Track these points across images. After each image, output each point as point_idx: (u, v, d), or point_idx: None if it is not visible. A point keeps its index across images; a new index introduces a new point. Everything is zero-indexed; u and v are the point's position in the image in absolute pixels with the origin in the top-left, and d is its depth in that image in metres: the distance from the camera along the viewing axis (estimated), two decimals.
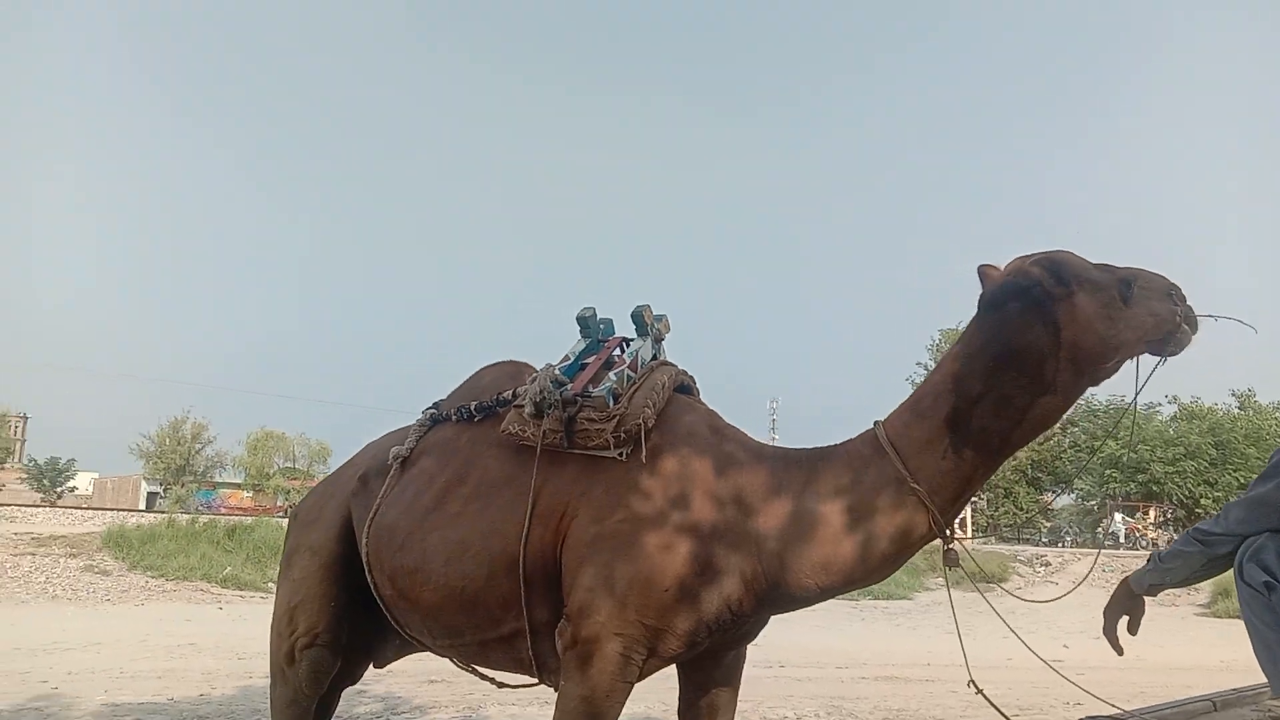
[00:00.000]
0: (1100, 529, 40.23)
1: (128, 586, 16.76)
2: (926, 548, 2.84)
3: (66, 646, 10.61)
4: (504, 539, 2.86)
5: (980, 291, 2.73)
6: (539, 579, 2.81)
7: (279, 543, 15.77)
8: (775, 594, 2.70)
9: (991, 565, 24.70)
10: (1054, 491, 46.34)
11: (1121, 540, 33.11)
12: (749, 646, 3.14)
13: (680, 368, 3.23)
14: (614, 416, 2.87)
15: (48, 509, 31.97)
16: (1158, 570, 2.84)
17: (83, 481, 61.60)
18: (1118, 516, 35.53)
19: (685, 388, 3.23)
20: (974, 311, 2.75)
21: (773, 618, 2.98)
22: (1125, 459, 38.02)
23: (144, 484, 56.60)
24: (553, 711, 2.70)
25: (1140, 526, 35.52)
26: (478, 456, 3.13)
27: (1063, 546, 38.64)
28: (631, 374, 3.04)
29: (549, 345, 3.31)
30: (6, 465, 57.25)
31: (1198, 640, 15.77)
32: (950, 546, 2.74)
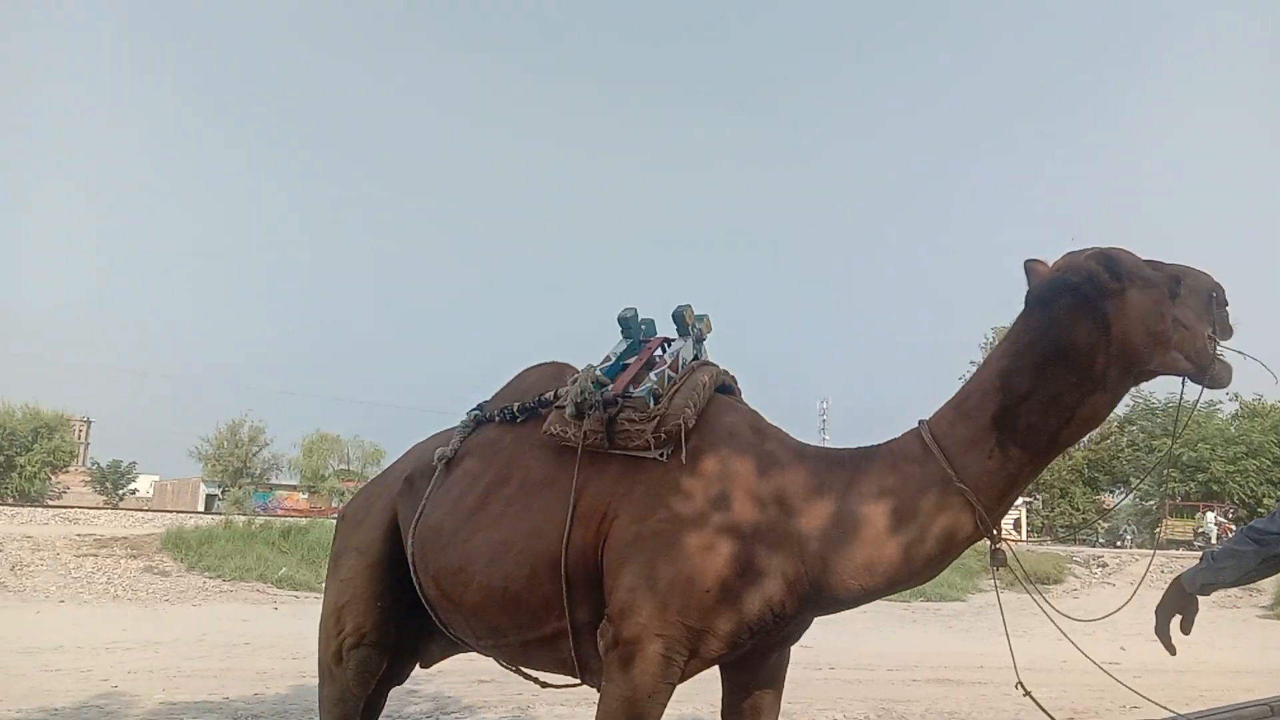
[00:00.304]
0: (1158, 530, 39.29)
1: (186, 587, 17.06)
2: (980, 549, 2.81)
3: (126, 646, 10.84)
4: (546, 540, 2.86)
5: (1027, 287, 2.70)
6: (580, 579, 2.82)
7: None
8: (818, 595, 2.67)
9: (1046, 566, 24.30)
10: (1112, 491, 45.44)
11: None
12: (797, 648, 3.12)
13: (722, 368, 3.21)
14: (654, 417, 2.86)
15: (110, 511, 32.66)
16: (1211, 569, 2.77)
17: (144, 484, 62.97)
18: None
19: (726, 388, 3.21)
20: (1021, 308, 2.71)
21: (822, 619, 2.96)
22: (1184, 458, 37.20)
23: (203, 486, 57.81)
24: (595, 711, 2.70)
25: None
26: (520, 457, 3.14)
27: (1121, 547, 37.87)
28: (673, 374, 3.03)
29: (596, 346, 3.33)
30: (70, 469, 58.51)
31: (1260, 643, 15.39)
32: (997, 546, 2.70)
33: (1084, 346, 2.52)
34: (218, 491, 56.15)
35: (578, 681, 3.04)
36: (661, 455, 2.83)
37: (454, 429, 3.48)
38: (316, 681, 3.49)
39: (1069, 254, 2.65)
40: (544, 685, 3.34)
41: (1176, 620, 2.88)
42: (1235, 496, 37.34)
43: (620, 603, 2.68)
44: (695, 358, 3.21)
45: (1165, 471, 36.19)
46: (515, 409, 3.29)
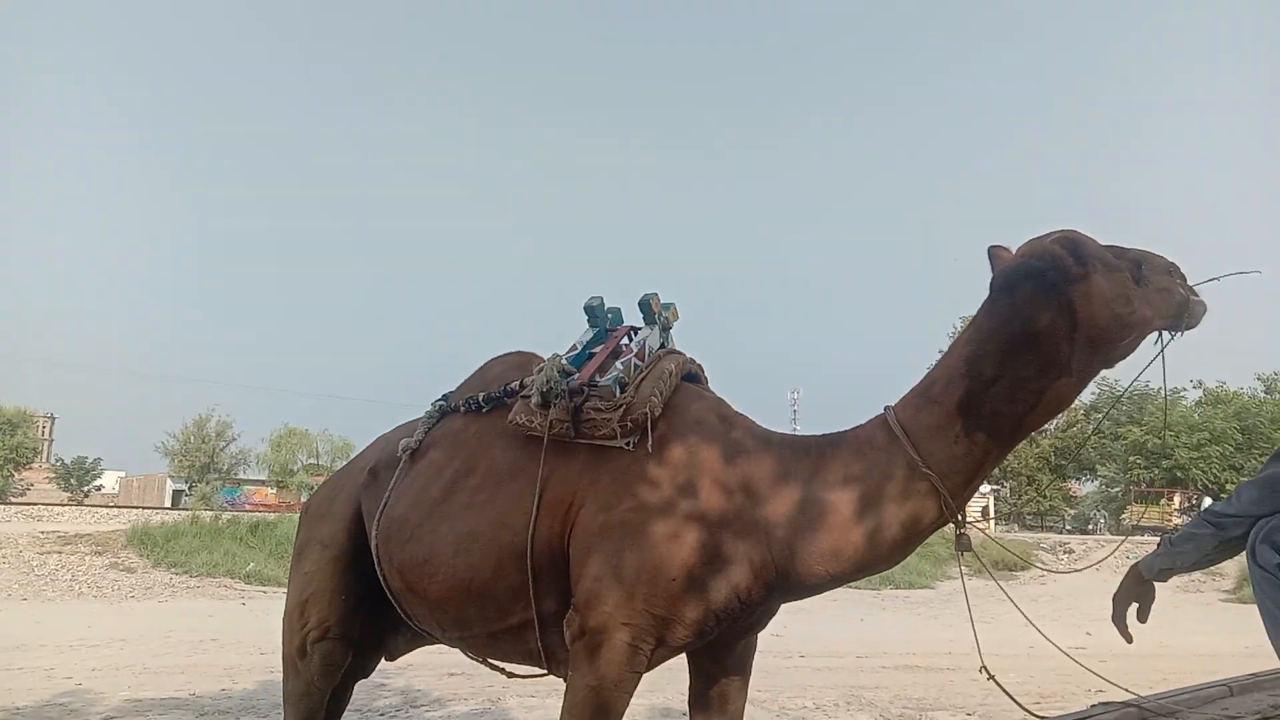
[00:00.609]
0: (1125, 516, 39.82)
1: (152, 583, 16.91)
2: (947, 537, 2.81)
3: (91, 643, 10.72)
4: (511, 530, 2.84)
5: (992, 273, 2.70)
6: (547, 570, 2.80)
7: None
8: (785, 582, 2.67)
9: (1013, 553, 24.56)
10: (1078, 479, 46.01)
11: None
12: (766, 636, 3.11)
13: (688, 355, 3.20)
14: (621, 406, 2.84)
15: (74, 508, 32.28)
16: (1169, 554, 2.80)
17: (109, 480, 62.12)
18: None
19: (693, 376, 3.20)
20: (987, 294, 2.71)
21: (792, 607, 2.96)
22: (1149, 445, 37.73)
23: (169, 482, 57.22)
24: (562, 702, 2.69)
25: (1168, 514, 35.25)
26: (485, 448, 3.12)
27: (1096, 533, 38.37)
28: (639, 363, 3.01)
29: (564, 335, 3.31)
30: (34, 465, 57.77)
31: (1222, 627, 15.62)
32: (962, 531, 2.71)
33: (1049, 332, 2.52)
34: (185, 487, 55.60)
35: (544, 672, 3.02)
36: (628, 444, 2.81)
37: (419, 420, 3.45)
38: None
39: (1033, 240, 2.65)
40: (510, 676, 3.33)
41: (1134, 609, 2.90)
42: (1199, 482, 37.93)
43: (586, 592, 2.66)
44: (662, 346, 3.19)
45: (1129, 458, 36.77)
46: (480, 399, 3.26)
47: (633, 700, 2.71)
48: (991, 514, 40.93)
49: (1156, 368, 2.67)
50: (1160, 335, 2.63)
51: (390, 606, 3.25)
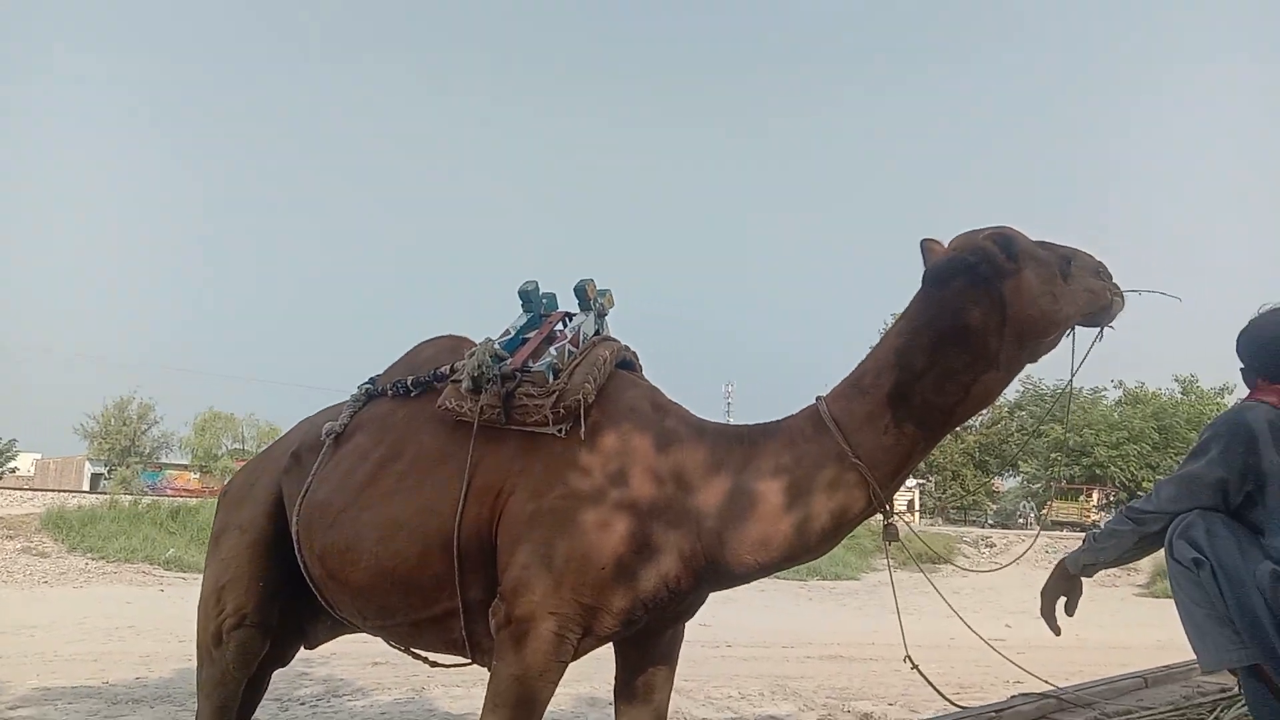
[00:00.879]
0: (1044, 511, 40.86)
1: (66, 569, 16.41)
2: (874, 528, 2.83)
3: None
4: (439, 517, 2.78)
5: (924, 266, 2.73)
6: (474, 557, 2.75)
7: None
8: (714, 571, 2.66)
9: (937, 546, 25.09)
10: (1001, 474, 47.05)
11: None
12: (694, 626, 3.11)
13: (623, 343, 3.17)
14: (554, 392, 2.81)
15: None
16: (1091, 550, 2.85)
17: (24, 462, 60.19)
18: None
19: (628, 363, 3.17)
20: (919, 287, 2.73)
21: (720, 597, 2.96)
22: (1070, 442, 38.71)
23: (88, 465, 55.59)
24: (486, 691, 2.65)
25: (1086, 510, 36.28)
26: (413, 432, 3.05)
27: (1024, 526, 39.28)
28: (573, 349, 2.97)
29: (497, 321, 3.25)
30: None
31: (1137, 620, 16.13)
32: (890, 522, 2.74)
33: (979, 325, 2.56)
34: (104, 470, 54.10)
35: (469, 661, 2.97)
36: (560, 431, 2.78)
37: (344, 404, 3.36)
38: None
39: (965, 234, 2.69)
40: (434, 665, 3.27)
41: (1062, 602, 2.95)
42: (1117, 480, 39.02)
43: (513, 580, 2.62)
44: (597, 333, 3.15)
45: (1050, 455, 37.71)
46: (409, 383, 3.19)
47: (557, 690, 2.68)
48: (917, 507, 41.77)
49: (1089, 361, 2.74)
50: (1073, 331, 2.69)
51: (310, 594, 3.17)
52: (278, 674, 3.59)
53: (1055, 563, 2.98)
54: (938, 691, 3.02)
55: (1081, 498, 39.37)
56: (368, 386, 3.37)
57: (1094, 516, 36.36)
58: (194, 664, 3.35)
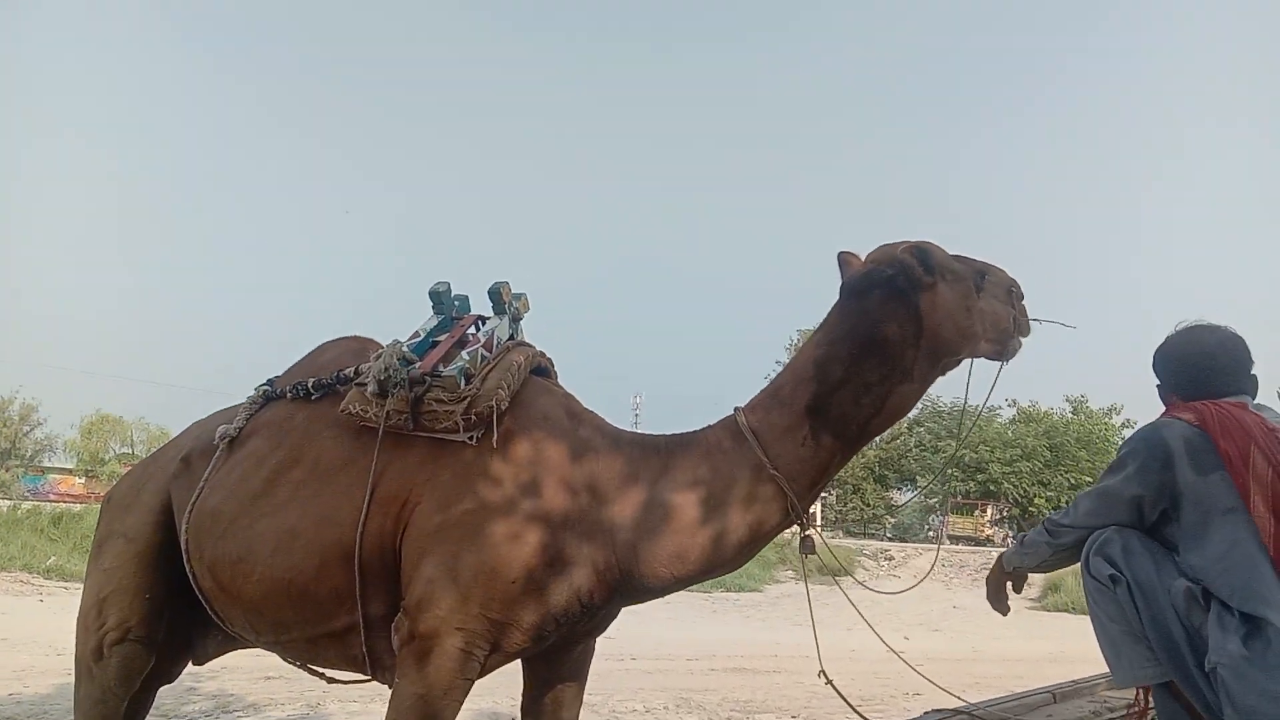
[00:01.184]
0: (942, 524, 41.89)
1: None
2: (777, 540, 2.82)
3: None
4: (339, 527, 2.66)
5: (841, 279, 2.75)
6: (376, 570, 2.63)
7: None
8: (628, 585, 2.60)
9: (838, 558, 25.47)
10: (900, 488, 48.09)
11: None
12: (599, 638, 3.03)
13: (538, 349, 3.08)
14: (465, 398, 2.71)
15: None
16: (1019, 554, 2.90)
17: None
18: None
19: (543, 370, 3.09)
20: (834, 301, 2.76)
21: (624, 610, 2.89)
22: (965, 459, 39.77)
23: None
24: (386, 710, 2.53)
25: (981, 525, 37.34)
26: (313, 437, 2.91)
27: (930, 539, 40.17)
28: (486, 354, 2.88)
29: (405, 323, 3.13)
30: None
31: (1030, 633, 16.55)
32: (806, 534, 2.73)
33: (896, 338, 2.59)
34: None
35: (368, 678, 2.84)
36: (471, 438, 2.68)
37: (239, 406, 3.20)
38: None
39: (883, 247, 2.72)
40: (331, 681, 3.12)
41: (1009, 585, 2.98)
42: (1010, 496, 40.21)
43: (418, 595, 2.51)
44: (511, 337, 3.06)
45: (948, 471, 38.72)
46: (310, 385, 3.05)
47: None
48: (818, 520, 42.41)
49: (977, 382, 2.80)
50: (972, 364, 2.76)
51: (199, 607, 3.00)
52: (163, 690, 3.39)
53: (995, 558, 3.02)
54: (851, 707, 3.01)
55: (976, 513, 40.46)
56: (265, 388, 3.21)
57: (988, 531, 37.44)
58: (73, 680, 3.14)
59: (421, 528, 2.59)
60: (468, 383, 2.75)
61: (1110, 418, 43.55)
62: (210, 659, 3.35)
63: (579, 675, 2.94)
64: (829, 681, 2.90)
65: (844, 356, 2.61)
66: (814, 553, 2.75)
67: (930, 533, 44.41)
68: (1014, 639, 15.51)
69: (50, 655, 9.29)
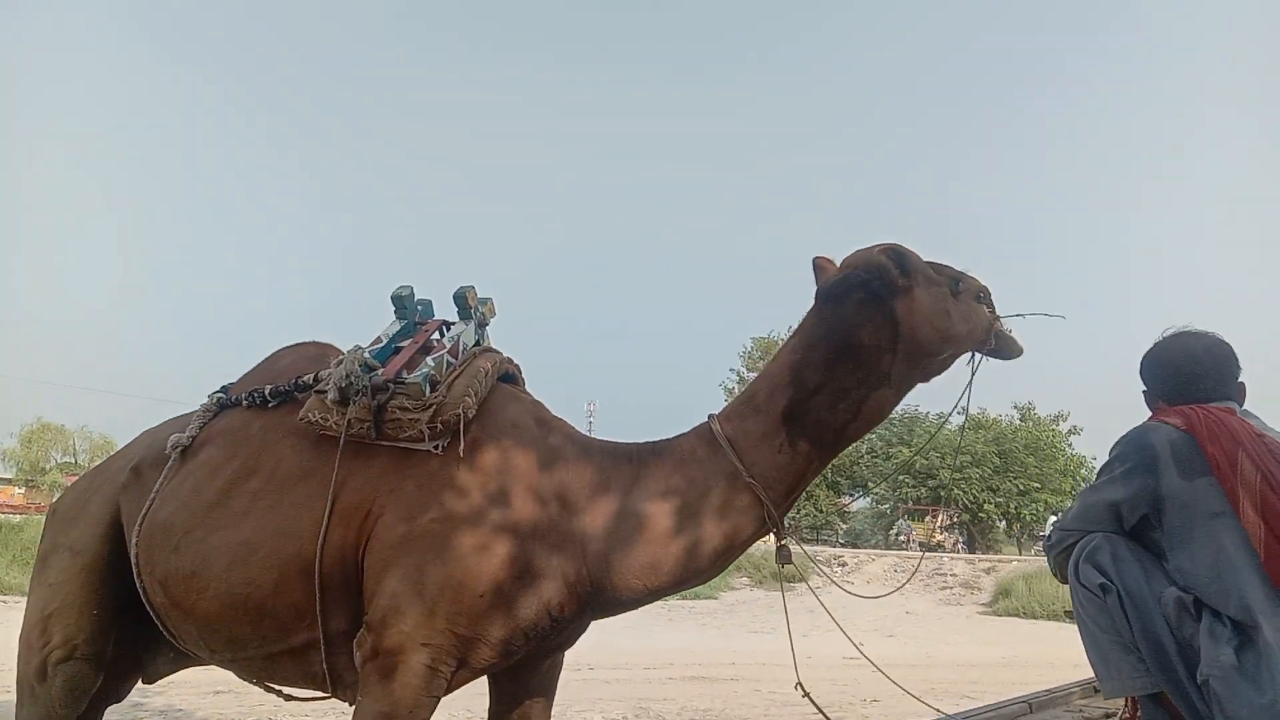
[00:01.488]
0: (894, 531, 42.19)
1: None
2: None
3: None
4: (298, 540, 2.56)
5: (817, 284, 2.72)
6: (337, 585, 2.54)
7: None
8: (600, 597, 2.54)
9: (790, 565, 25.56)
10: (851, 495, 48.37)
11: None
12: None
13: (505, 355, 3.01)
14: (430, 405, 2.62)
15: None
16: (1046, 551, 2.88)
17: None
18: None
19: (510, 377, 3.01)
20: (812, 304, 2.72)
21: None
22: (917, 465, 40.11)
23: None
24: None
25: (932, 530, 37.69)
26: (271, 447, 2.81)
27: (870, 546, 40.45)
28: (452, 360, 2.80)
29: (367, 329, 3.03)
30: None
31: (981, 638, 16.73)
32: (783, 543, 2.68)
33: (872, 342, 2.56)
34: None
35: (328, 695, 2.74)
36: (436, 447, 2.60)
37: (193, 414, 3.08)
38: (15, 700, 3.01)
39: (859, 251, 2.70)
40: (289, 698, 3.02)
41: None
42: (960, 501, 40.61)
43: (382, 610, 2.42)
44: (477, 343, 2.98)
45: (899, 477, 39.06)
46: (267, 392, 2.94)
47: None
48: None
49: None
50: (973, 356, 2.75)
51: (150, 623, 2.88)
52: (111, 707, 3.25)
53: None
54: (825, 716, 2.96)
55: (927, 518, 40.82)
56: (220, 396, 3.10)
57: (939, 537, 37.77)
58: (13, 700, 3.00)
59: (385, 540, 2.50)
60: (433, 390, 2.67)
61: (1057, 424, 44.17)
62: (161, 677, 3.23)
63: (547, 691, 2.87)
64: (806, 694, 2.86)
65: (820, 362, 2.58)
66: (790, 562, 2.71)
67: (877, 539, 44.71)
68: (966, 644, 15.66)
69: None
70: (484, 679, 2.78)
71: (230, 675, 3.08)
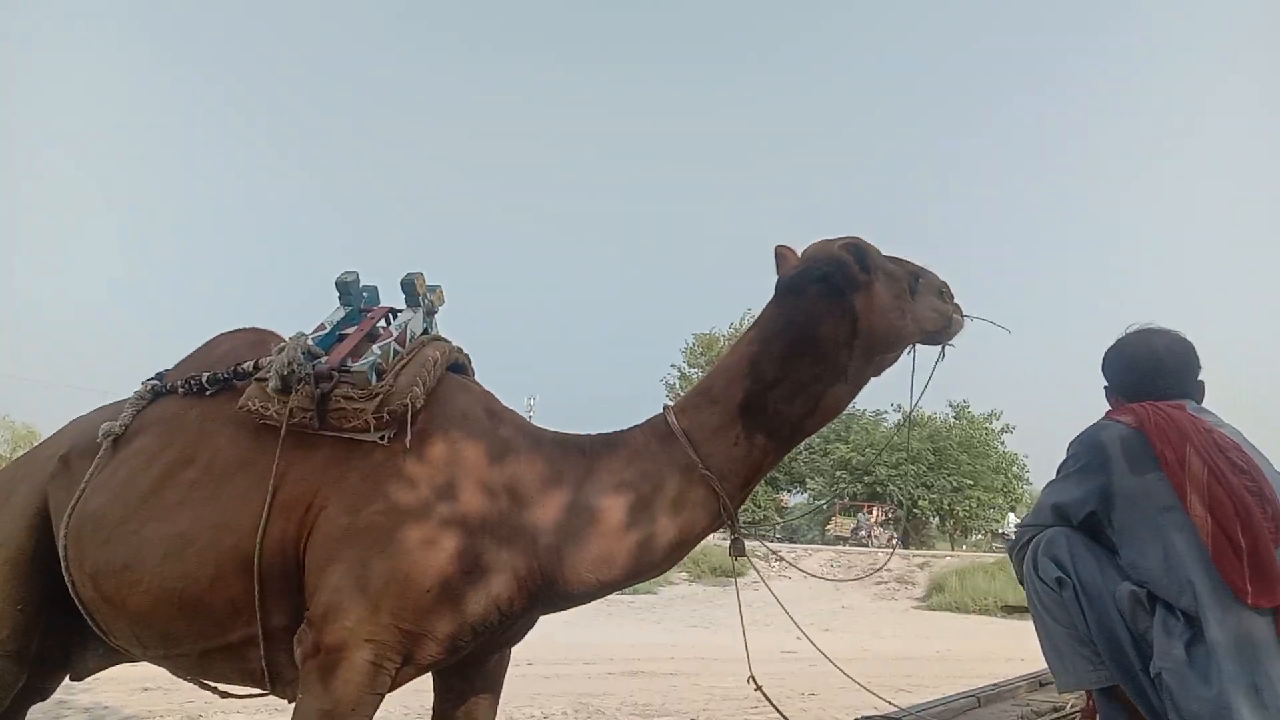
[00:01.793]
0: (829, 527, 42.69)
1: None
2: None
3: None
4: (236, 533, 2.47)
5: (778, 272, 2.71)
6: (277, 579, 2.46)
7: None
8: (551, 591, 2.49)
9: (729, 560, 25.70)
10: (789, 490, 48.83)
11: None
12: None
13: (455, 344, 2.94)
14: (376, 395, 2.55)
15: None
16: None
17: None
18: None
19: (459, 366, 2.95)
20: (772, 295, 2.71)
21: None
22: (853, 462, 40.64)
23: None
24: None
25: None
26: (208, 436, 2.71)
27: (807, 542, 40.86)
28: (399, 348, 2.73)
29: (311, 316, 2.94)
30: None
31: (915, 632, 16.98)
32: (737, 535, 2.67)
33: (831, 336, 2.56)
34: None
35: (267, 692, 2.66)
36: (382, 438, 2.53)
37: (125, 401, 2.97)
38: None
39: (818, 243, 2.70)
40: (225, 696, 2.93)
41: None
42: (895, 498, 41.20)
43: (324, 605, 2.35)
44: (425, 332, 2.91)
45: (836, 473, 39.52)
46: (204, 379, 2.84)
47: None
48: None
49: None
50: (914, 348, 2.75)
51: (78, 618, 2.77)
52: (34, 706, 3.13)
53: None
54: (781, 714, 2.96)
55: (862, 514, 41.36)
56: (154, 383, 2.99)
57: (876, 531, 38.34)
58: None
59: (327, 533, 2.43)
60: (379, 379, 2.60)
61: (990, 422, 45.00)
62: (90, 674, 3.11)
63: (494, 687, 2.82)
64: (758, 687, 2.86)
65: (778, 355, 2.57)
66: (744, 555, 2.70)
67: (813, 535, 45.18)
68: (900, 638, 15.87)
69: None
70: (428, 675, 2.73)
71: (159, 671, 2.98)
